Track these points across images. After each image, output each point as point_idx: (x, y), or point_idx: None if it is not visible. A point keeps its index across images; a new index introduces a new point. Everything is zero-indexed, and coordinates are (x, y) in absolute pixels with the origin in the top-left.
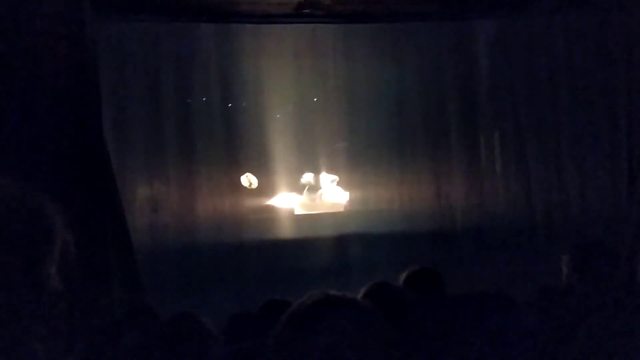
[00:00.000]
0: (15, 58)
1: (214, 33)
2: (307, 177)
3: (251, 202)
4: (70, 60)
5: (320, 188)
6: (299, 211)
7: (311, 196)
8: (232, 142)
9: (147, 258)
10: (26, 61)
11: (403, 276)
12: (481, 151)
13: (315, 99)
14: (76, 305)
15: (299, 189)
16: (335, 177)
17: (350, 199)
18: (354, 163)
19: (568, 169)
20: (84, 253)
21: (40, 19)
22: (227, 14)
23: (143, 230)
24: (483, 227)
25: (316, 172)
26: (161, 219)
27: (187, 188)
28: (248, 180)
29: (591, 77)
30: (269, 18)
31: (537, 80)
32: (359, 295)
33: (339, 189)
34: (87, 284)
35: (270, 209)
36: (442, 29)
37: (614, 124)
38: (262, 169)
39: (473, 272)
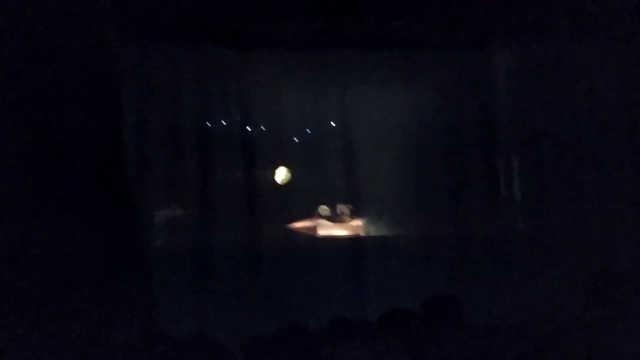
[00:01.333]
0: (39, 81)
1: (234, 58)
2: (325, 202)
3: (269, 225)
4: (93, 84)
5: (339, 212)
6: (316, 235)
7: (329, 220)
8: (251, 165)
9: (164, 280)
10: (50, 84)
11: (421, 303)
12: (500, 178)
13: (333, 124)
14: (94, 327)
15: (316, 212)
16: (352, 205)
17: (367, 224)
18: (372, 188)
19: (589, 196)
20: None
21: (64, 43)
22: (246, 39)
23: (161, 252)
24: (502, 255)
25: (334, 196)
26: (179, 242)
27: (206, 211)
28: (282, 176)
29: (612, 103)
30: (287, 44)
31: (557, 107)
32: (377, 321)
33: (358, 213)
34: (104, 306)
35: (288, 232)
36: (462, 57)
37: (636, 150)
38: (279, 192)
39: (491, 299)
